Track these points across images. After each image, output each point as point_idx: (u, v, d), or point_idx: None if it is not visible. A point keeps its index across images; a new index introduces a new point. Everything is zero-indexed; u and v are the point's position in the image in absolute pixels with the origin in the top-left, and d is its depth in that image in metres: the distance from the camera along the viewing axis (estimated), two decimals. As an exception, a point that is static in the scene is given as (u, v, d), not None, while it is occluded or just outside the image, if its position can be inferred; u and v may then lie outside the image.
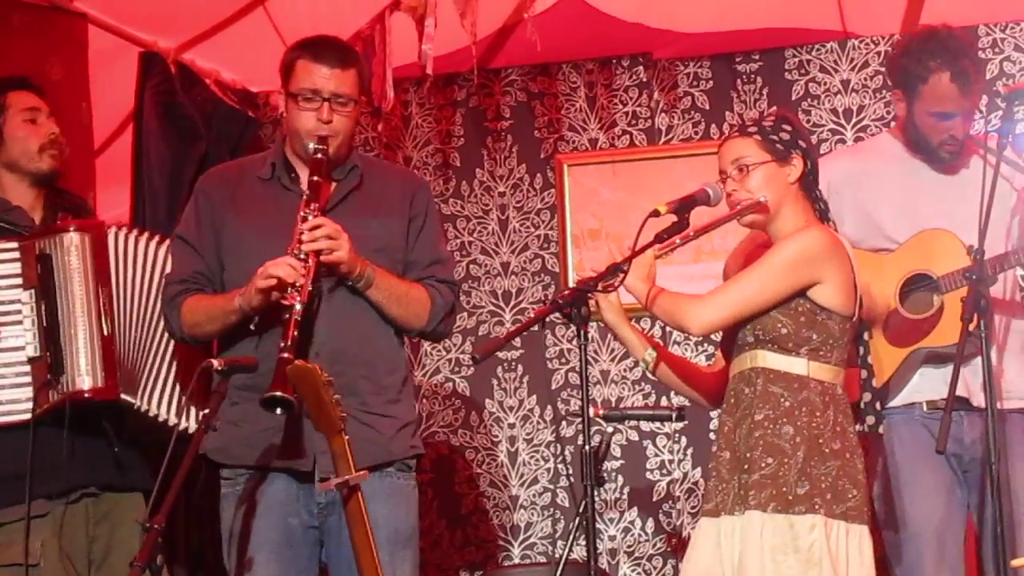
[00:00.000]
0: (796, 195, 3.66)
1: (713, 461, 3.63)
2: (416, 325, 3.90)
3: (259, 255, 3.70)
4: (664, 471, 5.54)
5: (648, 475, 5.55)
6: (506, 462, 5.67)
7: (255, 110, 5.77)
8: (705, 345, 5.47)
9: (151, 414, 4.04)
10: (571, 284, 3.62)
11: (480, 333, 5.72)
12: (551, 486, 5.63)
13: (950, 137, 4.11)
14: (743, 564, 3.47)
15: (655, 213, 3.55)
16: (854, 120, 5.51)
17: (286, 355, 3.54)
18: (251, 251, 3.74)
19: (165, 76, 5.26)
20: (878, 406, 4.11)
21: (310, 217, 3.70)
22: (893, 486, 4.14)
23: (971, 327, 3.65)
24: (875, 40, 5.51)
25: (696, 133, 5.64)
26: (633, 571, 5.52)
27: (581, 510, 3.51)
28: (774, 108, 5.40)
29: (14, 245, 3.99)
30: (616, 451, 5.52)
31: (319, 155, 3.79)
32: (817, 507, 3.47)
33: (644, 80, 5.69)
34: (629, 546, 5.53)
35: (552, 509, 5.62)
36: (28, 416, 3.88)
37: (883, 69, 5.46)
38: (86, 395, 3.93)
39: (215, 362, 3.53)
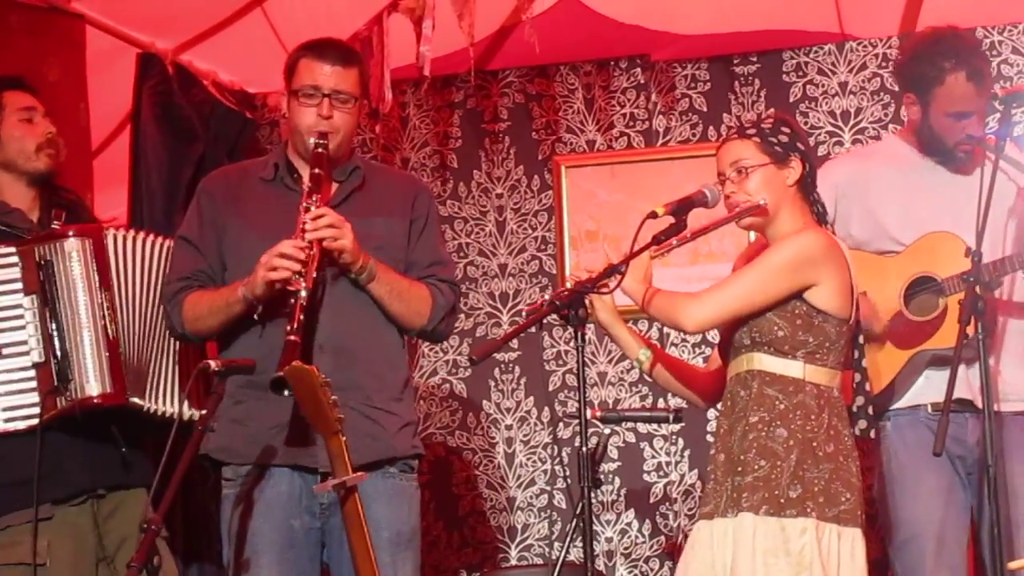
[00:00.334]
0: (794, 197, 3.66)
1: (710, 464, 3.63)
2: (418, 323, 3.90)
3: (261, 255, 3.71)
4: (661, 473, 5.54)
5: (645, 477, 5.55)
6: (503, 464, 5.67)
7: (253, 111, 5.77)
8: (702, 347, 5.47)
9: (159, 413, 4.04)
10: (567, 285, 3.60)
11: (477, 335, 5.72)
12: (548, 488, 5.63)
13: (967, 136, 4.10)
14: (735, 567, 3.47)
15: (653, 215, 3.55)
16: (852, 122, 5.51)
17: (293, 338, 3.55)
18: (253, 251, 3.74)
19: (163, 77, 5.27)
20: (871, 410, 4.11)
21: (312, 208, 3.71)
22: (896, 487, 4.15)
23: (969, 330, 3.65)
24: (873, 42, 5.52)
25: (694, 135, 5.64)
26: (630, 573, 5.52)
27: (578, 512, 3.51)
28: (772, 110, 5.40)
29: (12, 250, 3.98)
30: (613, 453, 5.52)
31: (320, 149, 3.80)
32: (809, 510, 3.46)
33: (642, 82, 5.70)
34: (626, 548, 5.53)
35: (549, 511, 5.62)
36: (35, 422, 3.89)
37: (881, 72, 5.47)
38: (95, 401, 3.94)
39: (212, 363, 3.54)
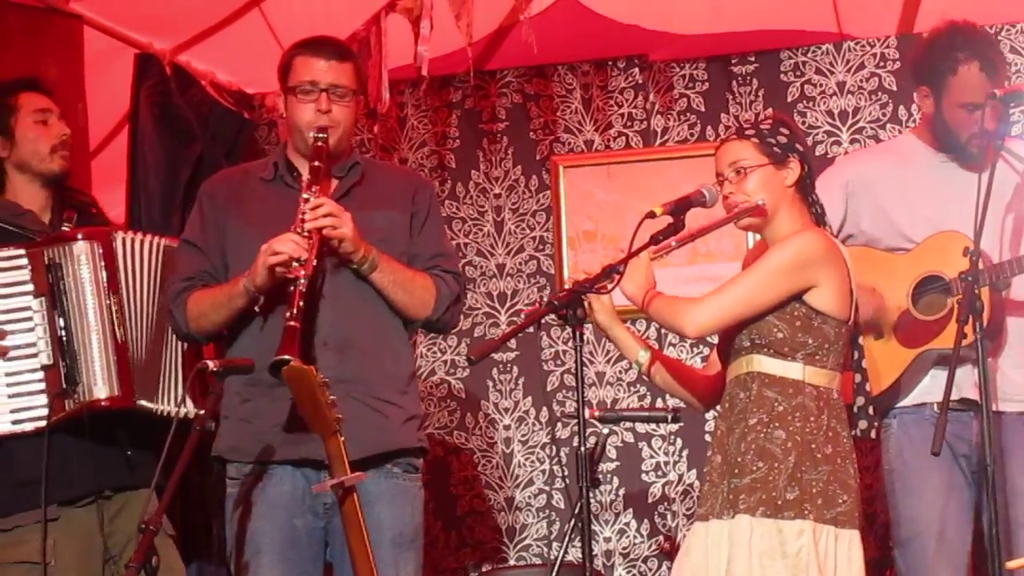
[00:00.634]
0: (793, 198, 3.65)
1: (707, 465, 3.63)
2: (423, 313, 3.89)
3: None
4: (659, 473, 5.54)
5: (643, 477, 5.55)
6: (502, 464, 5.67)
7: (251, 111, 5.76)
8: (700, 347, 5.47)
9: (167, 415, 4.05)
10: (566, 285, 3.60)
11: (476, 335, 5.72)
12: (547, 488, 5.63)
13: (980, 130, 4.10)
14: (731, 569, 3.46)
15: (651, 215, 3.55)
16: (849, 122, 5.51)
17: (293, 323, 3.56)
18: (255, 250, 3.74)
19: (161, 78, 5.27)
20: (871, 411, 4.12)
21: (311, 199, 3.72)
22: (900, 484, 4.16)
23: (967, 329, 3.65)
24: (871, 42, 5.52)
25: (692, 135, 5.64)
26: (628, 573, 5.52)
27: (576, 512, 3.52)
28: (771, 111, 5.41)
29: (22, 252, 4.01)
30: (611, 453, 5.52)
31: (320, 143, 3.80)
32: (807, 512, 3.46)
33: (640, 82, 5.69)
34: (624, 548, 5.53)
35: (548, 511, 5.62)
36: (43, 424, 3.91)
37: (879, 71, 5.47)
38: (103, 404, 3.96)
39: (210, 363, 3.54)
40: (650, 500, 5.54)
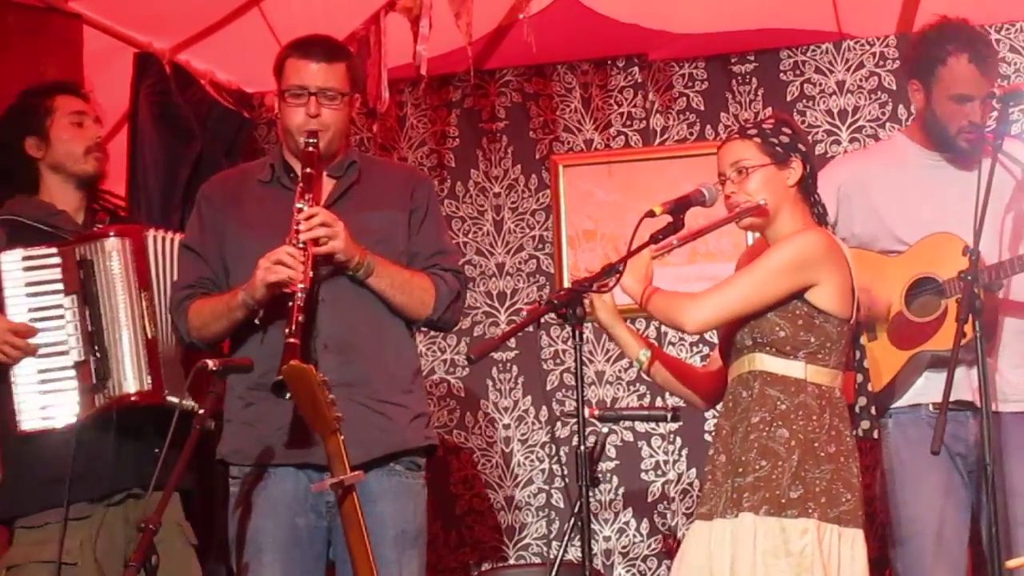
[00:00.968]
0: (795, 198, 3.65)
1: (709, 464, 3.63)
2: (423, 313, 3.90)
3: (261, 256, 3.72)
4: (659, 472, 5.54)
5: (643, 476, 5.55)
6: (501, 463, 5.67)
7: (250, 111, 5.77)
8: (700, 346, 5.47)
9: (196, 412, 4.05)
10: (566, 285, 3.61)
11: (475, 334, 5.71)
12: (546, 487, 5.63)
13: (969, 124, 4.09)
14: (735, 567, 3.46)
15: (650, 214, 3.55)
16: (849, 121, 5.51)
17: (292, 340, 3.57)
18: (254, 253, 3.75)
19: (160, 77, 5.27)
20: (873, 411, 4.12)
21: (305, 208, 3.72)
22: (898, 484, 4.15)
23: (967, 328, 3.65)
24: (870, 41, 5.52)
25: (691, 134, 5.64)
26: (628, 572, 5.52)
27: (576, 511, 3.52)
28: (772, 110, 5.41)
29: (53, 251, 4.04)
30: (611, 452, 5.52)
31: (309, 148, 3.80)
32: (810, 511, 3.46)
33: (639, 81, 5.69)
34: (624, 547, 5.53)
35: (547, 510, 5.62)
36: (74, 420, 3.94)
37: (878, 71, 5.47)
38: (133, 399, 3.98)
39: (210, 362, 3.55)
40: (650, 499, 5.54)
